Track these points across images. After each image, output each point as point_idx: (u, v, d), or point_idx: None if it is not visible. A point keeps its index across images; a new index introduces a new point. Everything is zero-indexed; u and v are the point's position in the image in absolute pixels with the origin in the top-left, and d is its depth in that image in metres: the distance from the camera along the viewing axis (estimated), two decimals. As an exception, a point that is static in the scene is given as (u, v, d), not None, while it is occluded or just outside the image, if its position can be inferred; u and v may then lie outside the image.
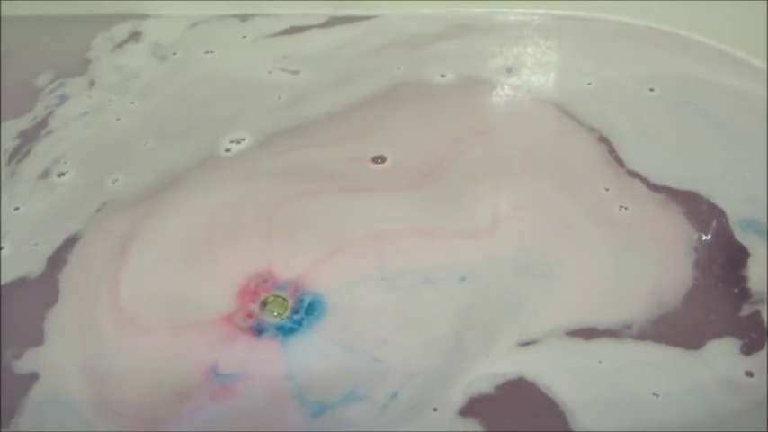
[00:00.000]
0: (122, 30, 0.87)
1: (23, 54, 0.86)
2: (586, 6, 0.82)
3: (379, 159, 0.65)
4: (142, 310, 0.54)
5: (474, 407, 0.47)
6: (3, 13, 0.90)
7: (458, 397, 0.47)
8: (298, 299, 0.53)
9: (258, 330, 0.52)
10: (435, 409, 0.47)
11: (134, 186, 0.65)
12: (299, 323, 0.52)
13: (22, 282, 0.57)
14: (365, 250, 0.57)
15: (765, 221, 0.58)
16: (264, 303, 0.53)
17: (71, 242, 0.60)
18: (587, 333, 0.50)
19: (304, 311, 0.53)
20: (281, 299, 0.54)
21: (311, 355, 0.50)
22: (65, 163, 0.68)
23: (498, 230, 0.58)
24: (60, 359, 0.51)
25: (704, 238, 0.57)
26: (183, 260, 0.58)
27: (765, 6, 0.70)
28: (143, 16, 0.89)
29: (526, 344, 0.50)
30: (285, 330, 0.52)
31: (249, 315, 0.53)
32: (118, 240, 0.59)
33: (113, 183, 0.65)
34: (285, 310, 0.53)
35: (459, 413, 0.46)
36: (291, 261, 0.56)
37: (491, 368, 0.49)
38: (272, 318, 0.52)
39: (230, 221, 0.60)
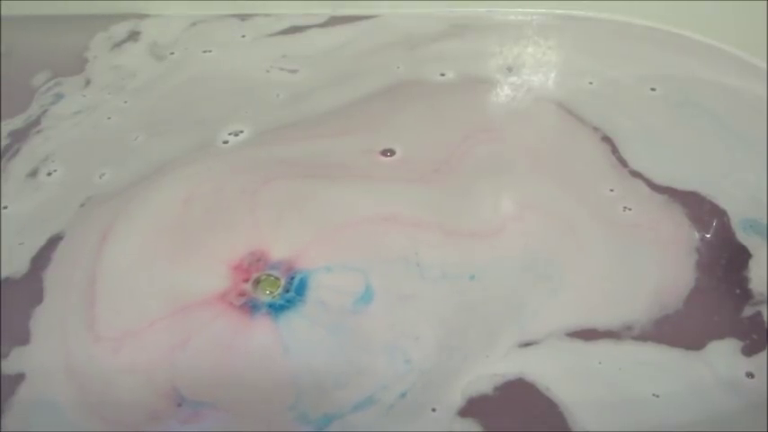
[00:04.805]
0: (121, 29, 0.87)
1: (23, 54, 0.86)
2: (587, 6, 0.82)
3: (388, 152, 0.65)
4: (129, 298, 0.54)
5: (473, 407, 0.46)
6: (2, 13, 0.90)
7: (457, 397, 0.47)
8: (289, 277, 0.54)
9: (252, 308, 0.53)
10: (434, 410, 0.46)
11: (121, 179, 0.65)
12: (290, 301, 0.53)
13: (7, 282, 0.57)
14: (377, 236, 0.57)
15: (767, 222, 0.57)
16: (257, 282, 0.54)
17: (55, 240, 0.60)
18: (588, 334, 0.50)
19: (294, 290, 0.53)
20: (272, 278, 0.54)
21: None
22: (53, 162, 0.68)
23: (505, 230, 0.58)
24: (46, 358, 0.51)
25: (706, 238, 0.56)
26: (170, 245, 0.58)
27: (765, 6, 0.70)
28: (142, 16, 0.89)
29: (527, 344, 0.50)
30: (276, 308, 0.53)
31: (242, 294, 0.54)
32: (100, 232, 0.60)
33: (100, 177, 0.65)
34: (277, 289, 0.54)
35: (458, 413, 0.46)
36: (286, 242, 0.57)
37: (491, 368, 0.48)
38: (264, 296, 0.53)
39: (223, 206, 0.61)
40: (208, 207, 0.61)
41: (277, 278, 0.54)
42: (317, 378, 0.48)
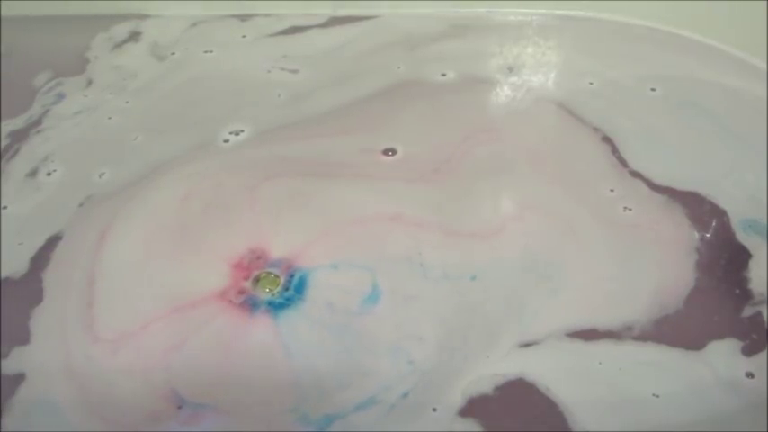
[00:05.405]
0: (122, 30, 0.87)
1: (23, 54, 0.86)
2: (587, 6, 0.82)
3: (390, 152, 0.65)
4: (128, 297, 0.54)
5: (474, 407, 0.46)
6: (3, 13, 0.90)
7: (457, 397, 0.47)
8: (289, 275, 0.55)
9: (251, 306, 0.53)
10: (435, 409, 0.46)
11: (120, 178, 0.65)
12: (290, 299, 0.53)
13: (7, 282, 0.57)
14: (378, 235, 0.57)
15: (766, 222, 0.57)
16: (257, 280, 0.55)
17: (54, 240, 0.60)
18: (588, 334, 0.50)
19: (294, 288, 0.54)
20: (272, 276, 0.55)
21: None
22: (53, 162, 0.68)
23: (506, 230, 0.58)
24: (46, 358, 0.51)
25: (706, 238, 0.56)
26: (170, 244, 0.58)
27: (765, 6, 0.70)
28: (143, 16, 0.89)
29: (527, 345, 0.50)
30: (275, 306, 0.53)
31: (241, 291, 0.54)
32: (99, 231, 0.60)
33: (100, 177, 0.66)
34: (277, 287, 0.54)
35: (458, 413, 0.46)
36: (286, 240, 0.57)
37: (491, 368, 0.48)
38: (263, 294, 0.54)
39: (223, 204, 0.61)
40: (208, 205, 0.61)
41: (277, 276, 0.55)
42: (318, 377, 0.48)
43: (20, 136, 0.71)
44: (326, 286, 0.54)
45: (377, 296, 0.53)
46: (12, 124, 0.73)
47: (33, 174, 0.67)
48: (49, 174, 0.67)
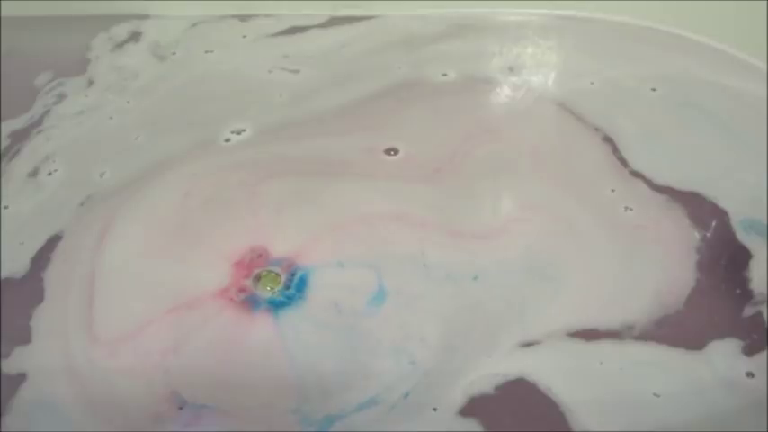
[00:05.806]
0: (122, 30, 0.87)
1: (24, 54, 0.86)
2: (587, 6, 0.82)
3: (392, 152, 0.65)
4: (129, 297, 0.55)
5: (475, 406, 0.46)
6: (3, 13, 0.90)
7: (458, 396, 0.47)
8: (290, 274, 0.55)
9: (252, 304, 0.53)
10: (435, 409, 0.46)
11: (121, 178, 0.65)
12: (290, 298, 0.53)
13: (7, 282, 0.57)
14: (381, 235, 0.58)
15: (767, 222, 0.57)
16: (258, 278, 0.55)
17: (55, 240, 0.60)
18: (589, 334, 0.50)
19: (294, 287, 0.54)
20: (273, 274, 0.55)
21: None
22: (54, 161, 0.68)
23: (507, 230, 0.58)
24: (47, 358, 0.51)
25: (706, 238, 0.57)
26: (171, 242, 0.59)
27: (765, 6, 0.70)
28: (143, 16, 0.89)
29: (528, 344, 0.50)
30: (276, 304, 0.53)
31: (242, 289, 0.54)
32: (100, 231, 0.60)
33: (100, 176, 0.66)
34: (278, 285, 0.54)
35: (459, 413, 0.46)
36: (287, 238, 0.57)
37: (493, 368, 0.48)
38: (264, 292, 0.54)
39: (224, 203, 0.61)
40: (209, 204, 0.61)
41: (278, 274, 0.55)
42: (319, 377, 0.48)
43: (21, 136, 0.71)
44: (327, 285, 0.54)
45: (382, 296, 0.53)
46: (13, 124, 0.73)
47: (34, 173, 0.67)
48: (49, 173, 0.67)
